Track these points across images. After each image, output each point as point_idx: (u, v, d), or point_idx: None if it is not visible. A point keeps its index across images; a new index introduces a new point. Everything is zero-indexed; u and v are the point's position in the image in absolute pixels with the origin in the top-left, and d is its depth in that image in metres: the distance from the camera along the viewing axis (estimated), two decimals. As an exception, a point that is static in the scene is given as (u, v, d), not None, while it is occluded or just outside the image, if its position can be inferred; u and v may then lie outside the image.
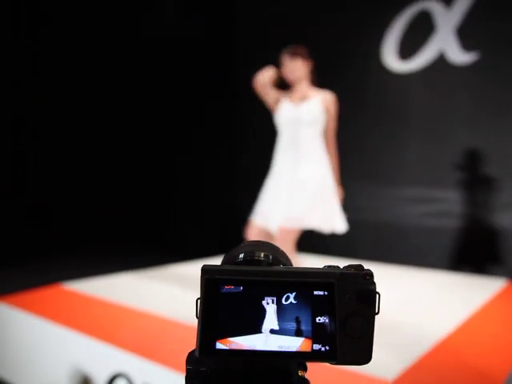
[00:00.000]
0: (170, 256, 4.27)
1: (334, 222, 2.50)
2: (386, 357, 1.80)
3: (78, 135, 6.35)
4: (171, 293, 2.82)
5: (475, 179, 3.74)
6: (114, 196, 6.36)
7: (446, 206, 3.86)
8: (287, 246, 2.41)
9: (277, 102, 2.60)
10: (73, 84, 6.19)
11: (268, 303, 0.45)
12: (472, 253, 3.78)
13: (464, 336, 2.12)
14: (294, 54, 2.51)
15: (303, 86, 2.56)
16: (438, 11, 3.83)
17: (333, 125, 2.58)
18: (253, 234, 2.54)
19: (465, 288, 3.13)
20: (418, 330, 2.18)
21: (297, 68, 2.51)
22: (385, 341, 1.96)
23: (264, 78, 2.56)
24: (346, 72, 4.26)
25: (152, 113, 5.88)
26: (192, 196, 5.53)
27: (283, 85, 2.59)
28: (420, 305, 2.65)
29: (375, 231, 4.21)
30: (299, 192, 2.45)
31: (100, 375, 1.94)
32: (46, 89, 6.04)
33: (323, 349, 0.45)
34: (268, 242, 0.57)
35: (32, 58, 5.88)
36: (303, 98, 2.53)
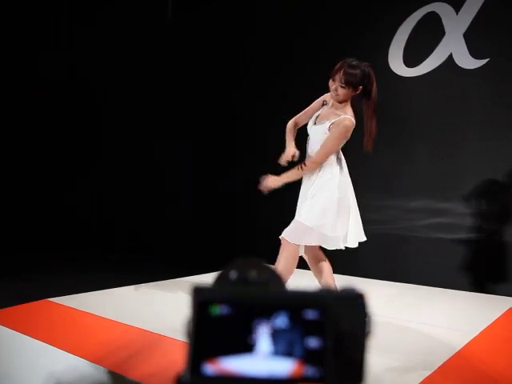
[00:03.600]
0: (165, 271, 4.22)
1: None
2: (388, 379, 1.76)
3: (73, 144, 6.34)
4: (164, 309, 2.78)
5: (486, 191, 3.64)
6: (108, 209, 6.33)
7: (454, 219, 3.75)
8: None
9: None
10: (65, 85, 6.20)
11: (259, 325, 0.44)
12: (483, 270, 3.65)
13: (471, 358, 2.08)
14: (349, 84, 2.28)
15: (333, 108, 2.41)
16: (445, 15, 3.77)
17: (326, 141, 2.36)
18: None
19: (474, 307, 3.04)
20: (422, 351, 2.14)
21: (342, 94, 2.32)
22: (389, 362, 1.92)
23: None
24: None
25: (151, 122, 5.87)
26: (191, 209, 5.49)
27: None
28: (425, 325, 2.60)
29: (380, 245, 4.06)
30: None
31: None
32: (41, 89, 6.04)
33: (315, 371, 0.44)
34: (261, 261, 0.56)
35: (31, 59, 5.89)
36: (322, 119, 2.43)
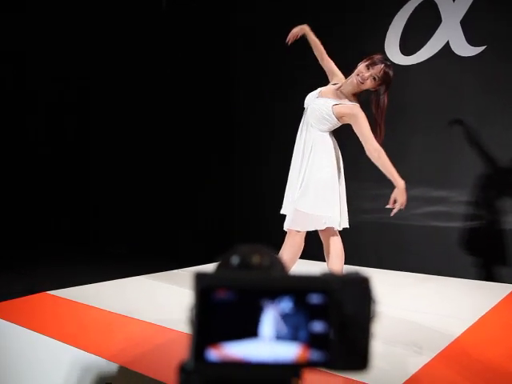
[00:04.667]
0: (162, 263, 4.22)
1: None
2: (388, 366, 1.77)
3: (68, 137, 6.31)
4: (163, 300, 2.78)
5: (483, 178, 3.65)
6: (103, 202, 6.31)
7: (451, 207, 3.75)
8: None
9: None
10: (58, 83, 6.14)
11: (264, 310, 0.43)
12: (479, 257, 3.66)
13: (470, 344, 2.09)
14: (382, 81, 2.29)
15: (339, 90, 2.42)
16: (442, 2, 3.75)
17: (363, 133, 2.28)
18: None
19: (472, 294, 3.05)
20: (420, 338, 2.15)
21: (368, 85, 2.32)
22: (388, 350, 1.93)
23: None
24: (348, 66, 4.17)
25: (147, 118, 5.83)
26: (186, 202, 5.48)
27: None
28: (424, 313, 2.60)
29: (376, 234, 4.08)
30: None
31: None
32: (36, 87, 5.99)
33: (320, 356, 0.44)
34: (263, 246, 0.56)
35: (25, 52, 5.84)
36: (325, 95, 2.43)
